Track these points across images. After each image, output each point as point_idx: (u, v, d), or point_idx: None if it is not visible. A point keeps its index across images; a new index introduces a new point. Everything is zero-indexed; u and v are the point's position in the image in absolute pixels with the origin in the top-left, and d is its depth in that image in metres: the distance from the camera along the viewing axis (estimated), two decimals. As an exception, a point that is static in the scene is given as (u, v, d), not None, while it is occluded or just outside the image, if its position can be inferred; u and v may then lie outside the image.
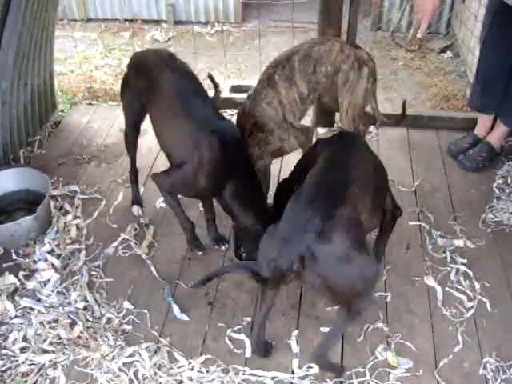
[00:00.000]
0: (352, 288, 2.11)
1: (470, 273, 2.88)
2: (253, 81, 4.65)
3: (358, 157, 2.43)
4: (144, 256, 3.00)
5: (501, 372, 2.42)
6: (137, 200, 3.35)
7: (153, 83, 2.77)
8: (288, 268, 2.03)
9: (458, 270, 2.91)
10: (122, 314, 2.69)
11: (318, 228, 2.02)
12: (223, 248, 3.05)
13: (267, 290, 2.35)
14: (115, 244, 3.08)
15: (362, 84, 3.00)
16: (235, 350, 2.53)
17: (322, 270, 2.03)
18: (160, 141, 2.83)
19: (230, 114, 4.23)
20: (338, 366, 2.44)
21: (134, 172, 3.31)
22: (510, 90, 3.44)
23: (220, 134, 2.60)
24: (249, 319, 2.67)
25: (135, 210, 3.31)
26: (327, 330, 2.59)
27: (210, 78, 3.24)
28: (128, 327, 2.63)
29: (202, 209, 3.29)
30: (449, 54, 5.69)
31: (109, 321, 2.65)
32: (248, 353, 2.52)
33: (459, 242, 3.07)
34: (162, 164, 3.67)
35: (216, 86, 3.24)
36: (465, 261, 2.95)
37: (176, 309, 2.70)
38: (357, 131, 3.13)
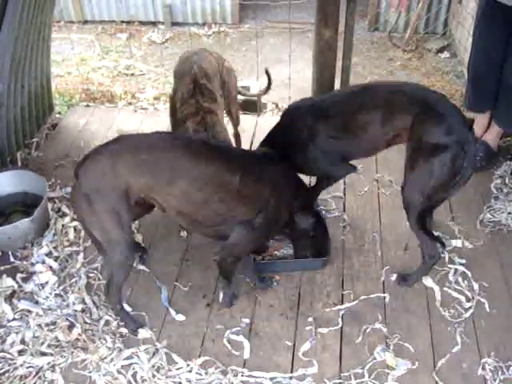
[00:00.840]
0: None
1: (469, 273, 2.88)
2: (250, 82, 4.66)
3: None
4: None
5: (499, 372, 2.42)
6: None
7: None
8: None
9: (456, 270, 2.91)
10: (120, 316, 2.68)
11: None
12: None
13: None
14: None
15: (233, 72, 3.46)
16: (234, 352, 2.53)
17: None
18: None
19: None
20: None
21: None
22: (501, 89, 3.44)
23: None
24: (247, 321, 2.67)
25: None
26: (325, 330, 2.60)
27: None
28: (126, 330, 2.62)
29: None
30: (446, 54, 5.70)
31: (107, 323, 2.64)
32: (246, 354, 2.51)
33: (457, 242, 3.07)
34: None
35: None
36: (463, 261, 2.96)
37: (172, 311, 2.70)
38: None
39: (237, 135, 3.68)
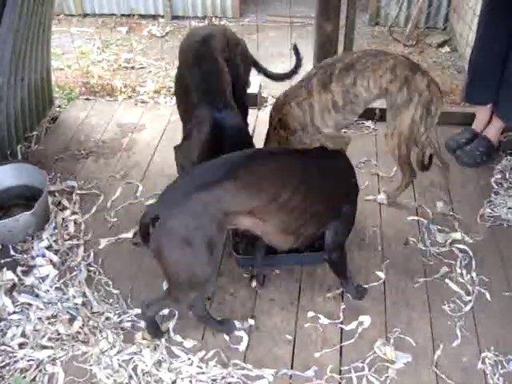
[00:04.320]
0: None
1: (469, 267, 2.89)
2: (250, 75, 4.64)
3: None
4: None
5: (499, 366, 2.42)
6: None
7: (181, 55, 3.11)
8: None
9: (456, 264, 2.91)
10: (120, 310, 2.68)
11: None
12: None
13: None
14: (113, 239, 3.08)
15: (408, 112, 2.80)
16: (234, 345, 2.53)
17: None
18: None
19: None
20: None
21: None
22: (504, 83, 3.44)
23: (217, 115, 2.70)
24: (248, 314, 2.67)
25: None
26: (326, 322, 2.61)
27: (296, 49, 3.40)
28: (127, 323, 2.62)
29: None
30: (447, 48, 5.68)
31: (108, 317, 2.64)
32: (247, 348, 2.52)
33: (457, 237, 3.07)
34: (160, 159, 3.68)
35: (298, 62, 3.43)
36: (463, 255, 2.95)
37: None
38: (405, 162, 3.03)
39: None
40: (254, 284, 2.82)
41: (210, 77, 2.86)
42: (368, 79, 2.73)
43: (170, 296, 2.36)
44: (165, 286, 2.79)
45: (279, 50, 5.64)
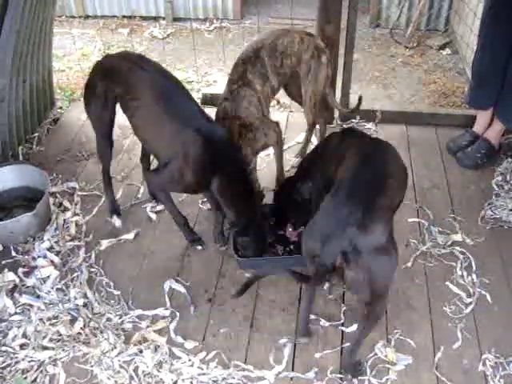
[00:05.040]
0: (388, 280, 2.16)
1: (470, 269, 2.89)
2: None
3: (390, 153, 2.48)
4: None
5: (500, 368, 2.42)
6: (113, 209, 3.24)
7: (130, 88, 2.74)
8: (332, 264, 2.06)
9: (456, 266, 2.91)
10: (121, 311, 2.69)
11: (359, 221, 2.04)
12: (223, 248, 3.05)
13: (310, 288, 2.41)
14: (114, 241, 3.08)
15: (323, 71, 3.17)
16: (235, 347, 2.53)
17: (365, 262, 2.04)
18: (147, 144, 2.94)
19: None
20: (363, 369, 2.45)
21: (108, 180, 3.21)
22: (506, 86, 3.44)
23: (204, 133, 2.61)
24: (249, 315, 2.67)
25: (115, 221, 3.20)
26: (327, 324, 2.61)
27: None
28: (128, 324, 2.62)
29: (201, 205, 3.31)
30: (448, 51, 5.69)
31: (109, 318, 2.65)
32: (248, 349, 2.52)
33: (458, 239, 3.07)
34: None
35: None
36: (464, 257, 2.96)
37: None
38: (316, 119, 3.37)
39: (310, 129, 3.58)
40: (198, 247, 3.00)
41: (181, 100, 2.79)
42: (290, 56, 3.06)
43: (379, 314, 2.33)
44: (166, 287, 2.80)
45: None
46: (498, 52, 3.38)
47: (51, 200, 3.30)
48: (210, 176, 2.66)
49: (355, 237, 2.02)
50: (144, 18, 6.55)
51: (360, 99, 3.36)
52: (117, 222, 3.18)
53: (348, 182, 2.25)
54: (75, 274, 2.88)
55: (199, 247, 3.03)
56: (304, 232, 2.32)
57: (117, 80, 2.78)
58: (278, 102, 4.42)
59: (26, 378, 2.39)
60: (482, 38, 3.48)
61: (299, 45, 3.08)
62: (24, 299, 2.73)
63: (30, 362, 2.46)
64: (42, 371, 2.42)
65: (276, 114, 3.99)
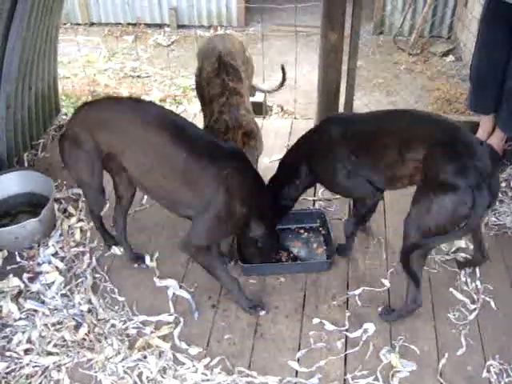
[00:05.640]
0: None
1: (474, 275, 2.89)
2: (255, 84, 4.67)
3: None
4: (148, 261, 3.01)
5: (504, 375, 2.42)
6: (112, 243, 3.09)
7: (133, 138, 2.49)
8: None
9: (460, 272, 2.91)
10: (126, 317, 2.69)
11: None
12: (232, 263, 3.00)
13: None
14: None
15: (251, 64, 3.46)
16: (239, 353, 2.54)
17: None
18: (162, 199, 2.64)
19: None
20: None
21: (100, 222, 3.04)
22: (504, 93, 3.44)
23: (234, 159, 2.55)
24: (253, 321, 2.68)
25: (115, 249, 3.09)
26: (331, 328, 2.61)
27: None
28: (132, 330, 2.63)
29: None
30: (451, 57, 5.71)
31: (113, 323, 2.65)
32: (252, 355, 2.52)
33: (462, 245, 3.07)
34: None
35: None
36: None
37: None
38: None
39: None
40: (261, 313, 2.74)
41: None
42: (242, 56, 3.26)
43: None
44: (170, 294, 2.80)
45: (284, 60, 5.66)
46: (495, 56, 3.39)
47: (56, 206, 3.31)
48: (253, 198, 2.58)
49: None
50: (148, 26, 6.60)
51: (283, 69, 3.76)
52: (117, 250, 3.09)
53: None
54: (80, 280, 2.89)
55: (262, 312, 2.73)
56: None
57: (111, 132, 2.52)
58: (282, 109, 4.44)
59: (30, 383, 2.40)
60: (479, 41, 3.49)
61: (239, 45, 3.31)
62: (29, 305, 2.74)
63: (34, 367, 2.46)
64: (46, 377, 2.43)
65: (280, 121, 4.01)
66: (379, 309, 2.73)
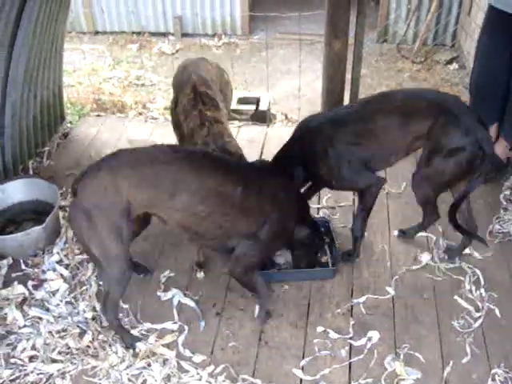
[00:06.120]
0: None
1: (478, 283, 2.88)
2: (259, 92, 4.69)
3: None
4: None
5: (509, 383, 2.41)
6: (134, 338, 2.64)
7: (176, 186, 2.33)
8: None
9: (465, 280, 2.91)
10: (130, 325, 2.69)
11: None
12: None
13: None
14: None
15: (230, 86, 3.55)
16: (243, 361, 2.53)
17: None
18: (210, 237, 2.53)
19: (238, 126, 4.27)
20: None
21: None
22: (508, 104, 3.43)
23: (271, 173, 2.68)
24: (257, 329, 2.68)
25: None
26: (336, 336, 2.60)
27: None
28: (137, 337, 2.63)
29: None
30: (455, 65, 5.72)
31: (117, 331, 2.65)
32: (256, 363, 2.51)
33: (467, 251, 3.07)
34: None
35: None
36: (472, 272, 2.95)
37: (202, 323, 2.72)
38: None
39: None
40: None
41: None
42: (219, 80, 3.29)
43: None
44: (175, 301, 2.80)
45: (288, 67, 5.69)
46: (495, 66, 3.38)
47: (60, 214, 3.32)
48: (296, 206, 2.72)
49: None
50: (153, 34, 6.63)
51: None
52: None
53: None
54: (84, 287, 2.89)
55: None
56: None
57: (152, 187, 2.32)
58: (286, 117, 4.46)
59: (34, 390, 2.41)
60: (479, 53, 3.48)
61: (214, 70, 3.29)
62: (33, 312, 2.74)
63: (38, 374, 2.46)
64: (50, 384, 2.43)
65: (284, 129, 4.02)
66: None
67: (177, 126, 3.16)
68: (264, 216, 2.50)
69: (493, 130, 3.68)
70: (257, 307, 2.74)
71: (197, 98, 2.99)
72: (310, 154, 2.80)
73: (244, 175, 2.51)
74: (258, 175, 2.59)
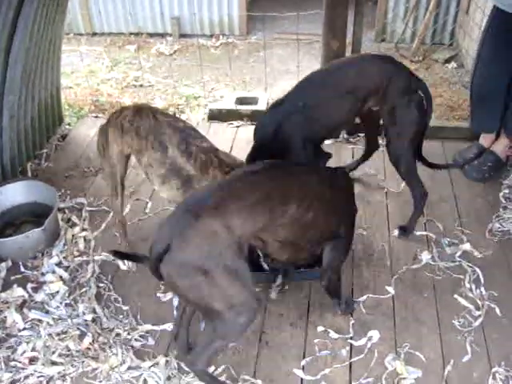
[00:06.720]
0: None
1: (478, 282, 2.88)
2: (258, 93, 4.69)
3: None
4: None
5: (510, 382, 2.40)
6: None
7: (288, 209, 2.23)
8: None
9: (465, 279, 2.90)
10: (130, 326, 2.69)
11: None
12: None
13: None
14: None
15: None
16: (244, 361, 2.53)
17: None
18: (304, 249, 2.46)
19: (236, 126, 4.27)
20: None
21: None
22: (511, 105, 3.43)
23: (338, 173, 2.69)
24: (258, 330, 2.67)
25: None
26: (336, 336, 2.60)
27: None
28: (137, 339, 2.63)
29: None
30: (453, 64, 5.71)
31: (118, 333, 2.65)
32: (256, 363, 2.51)
33: (465, 246, 3.07)
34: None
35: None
36: (472, 270, 2.95)
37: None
38: None
39: None
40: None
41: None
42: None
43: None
44: (175, 303, 2.80)
45: (286, 68, 5.68)
46: (497, 71, 3.38)
47: (59, 216, 3.32)
48: None
49: None
50: (151, 35, 6.61)
51: None
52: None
53: None
54: (84, 289, 2.89)
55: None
56: None
57: (267, 215, 2.17)
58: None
59: (34, 393, 2.40)
60: (483, 56, 3.46)
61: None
62: (33, 314, 2.74)
63: (38, 377, 2.46)
64: (50, 386, 2.43)
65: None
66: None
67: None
68: (346, 215, 2.59)
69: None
70: (337, 309, 2.74)
71: (156, 144, 2.66)
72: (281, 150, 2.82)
73: (325, 174, 2.59)
74: (327, 173, 2.63)
